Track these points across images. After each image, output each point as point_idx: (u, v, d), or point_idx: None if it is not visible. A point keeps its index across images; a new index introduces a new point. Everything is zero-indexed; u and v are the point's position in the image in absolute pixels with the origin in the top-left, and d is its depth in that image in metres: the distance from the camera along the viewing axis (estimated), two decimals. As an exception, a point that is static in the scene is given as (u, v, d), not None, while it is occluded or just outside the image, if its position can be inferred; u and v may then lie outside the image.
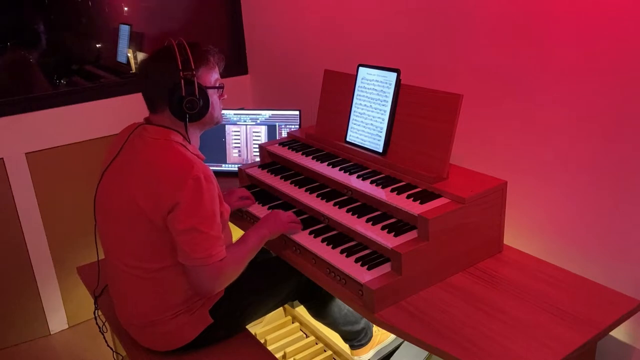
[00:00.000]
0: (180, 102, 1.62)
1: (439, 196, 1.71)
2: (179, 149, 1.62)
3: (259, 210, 2.01)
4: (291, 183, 2.05)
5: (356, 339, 2.14)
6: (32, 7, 2.77)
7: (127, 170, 1.65)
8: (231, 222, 2.15)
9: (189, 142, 1.69)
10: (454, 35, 2.00)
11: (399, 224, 1.68)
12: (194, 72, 1.63)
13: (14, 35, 2.75)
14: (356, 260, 1.63)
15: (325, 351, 2.35)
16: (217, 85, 1.74)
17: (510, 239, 1.86)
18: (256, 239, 1.75)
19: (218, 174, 2.68)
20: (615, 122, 1.60)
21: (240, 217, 2.09)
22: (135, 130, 1.70)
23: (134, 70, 3.07)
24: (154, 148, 1.63)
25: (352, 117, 2.06)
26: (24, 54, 2.82)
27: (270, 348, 2.33)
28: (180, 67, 1.61)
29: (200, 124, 1.73)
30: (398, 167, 1.86)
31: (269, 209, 2.00)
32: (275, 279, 1.92)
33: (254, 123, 2.64)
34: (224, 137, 2.67)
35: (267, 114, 2.62)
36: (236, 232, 1.90)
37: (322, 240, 1.76)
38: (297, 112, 2.59)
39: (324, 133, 2.20)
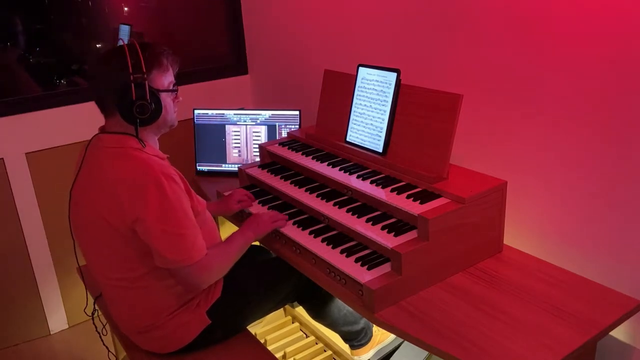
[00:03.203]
0: (130, 106, 1.56)
1: (439, 196, 1.71)
2: (135, 155, 1.57)
3: (259, 210, 2.01)
4: (291, 183, 2.05)
5: (356, 339, 2.14)
6: (32, 7, 2.76)
7: (90, 185, 1.62)
8: (231, 222, 2.15)
9: (144, 146, 1.62)
10: (454, 36, 2.00)
11: (399, 224, 1.68)
12: (145, 75, 1.57)
13: (14, 35, 2.75)
14: (356, 260, 1.63)
15: (325, 351, 2.35)
16: (171, 88, 1.67)
17: (510, 239, 1.86)
18: (241, 240, 1.76)
19: (218, 174, 2.69)
20: (615, 123, 1.60)
21: (240, 218, 2.09)
22: (92, 141, 1.66)
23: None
24: (109, 159, 1.58)
25: (352, 117, 2.06)
26: (23, 54, 2.82)
27: (270, 348, 2.33)
28: (131, 70, 1.55)
29: (154, 128, 1.66)
30: (398, 167, 1.86)
31: (269, 209, 2.00)
32: (275, 279, 1.92)
33: (254, 123, 2.64)
34: (224, 137, 2.67)
35: (267, 114, 2.63)
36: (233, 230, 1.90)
37: (322, 240, 1.76)
38: (297, 112, 2.60)
39: (324, 133, 2.20)
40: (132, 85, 1.56)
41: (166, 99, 1.65)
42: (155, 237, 1.53)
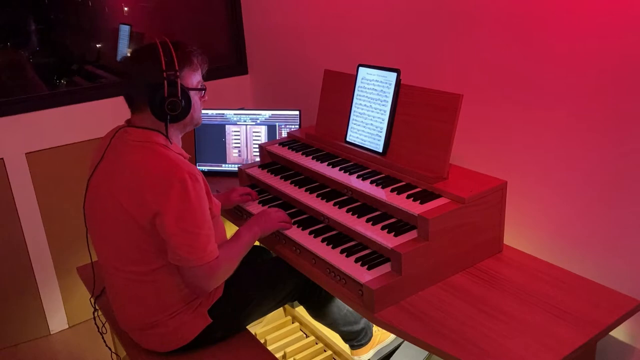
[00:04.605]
0: (162, 102, 1.59)
1: (439, 196, 1.71)
2: (162, 151, 1.60)
3: (258, 210, 2.01)
4: (291, 183, 2.05)
5: (356, 339, 2.14)
6: (32, 7, 2.76)
7: (112, 175, 1.63)
8: (230, 220, 2.15)
9: (171, 143, 1.66)
10: (454, 36, 2.00)
11: (399, 224, 1.68)
12: (178, 73, 1.61)
13: (14, 35, 2.75)
14: (356, 260, 1.63)
15: (325, 351, 2.35)
16: (199, 87, 1.71)
17: (510, 239, 1.86)
18: (249, 236, 1.76)
19: (218, 174, 2.69)
20: (615, 123, 1.60)
21: (239, 217, 2.09)
22: (117, 133, 1.68)
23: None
24: (137, 152, 1.61)
25: (352, 117, 2.06)
26: (24, 54, 2.82)
27: (270, 348, 2.33)
28: (164, 68, 1.58)
29: (180, 125, 1.70)
30: (398, 167, 1.86)
31: (268, 208, 2.00)
32: (275, 279, 1.92)
33: (254, 123, 2.64)
34: (224, 137, 2.67)
35: (267, 114, 2.62)
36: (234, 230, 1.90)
37: (322, 240, 1.76)
38: (297, 112, 2.59)
39: (324, 133, 2.20)
40: (165, 82, 1.58)
41: (194, 97, 1.69)
42: (172, 233, 1.54)
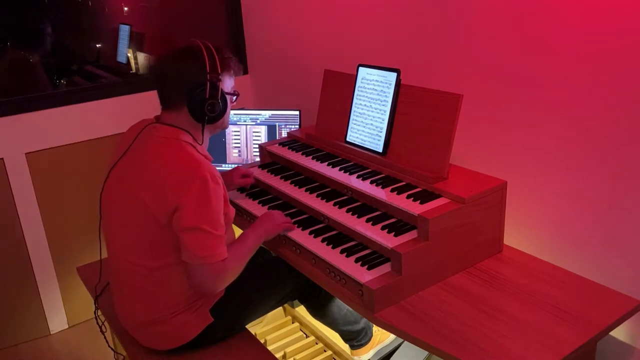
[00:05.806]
0: (202, 103, 1.64)
1: (439, 196, 1.71)
2: (188, 149, 1.63)
3: (258, 210, 2.01)
4: (291, 183, 2.05)
5: (356, 339, 2.14)
6: (32, 7, 2.76)
7: (135, 167, 1.66)
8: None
9: (200, 144, 1.71)
10: (454, 36, 2.00)
11: (399, 224, 1.68)
12: (220, 76, 1.66)
13: (14, 35, 2.75)
14: (356, 260, 1.63)
15: (325, 351, 2.35)
16: (233, 92, 1.76)
17: (510, 239, 1.86)
18: (254, 238, 1.77)
19: (218, 174, 2.69)
20: (615, 123, 1.60)
21: (240, 217, 2.09)
22: (145, 128, 1.71)
23: (134, 70, 3.07)
24: (162, 147, 1.64)
25: (352, 117, 2.06)
26: (24, 54, 2.82)
27: (270, 348, 2.33)
28: (208, 70, 1.63)
29: (211, 128, 1.75)
30: (398, 167, 1.86)
31: (269, 209, 2.00)
32: (275, 278, 1.93)
33: (254, 123, 2.64)
34: (224, 137, 2.67)
35: (267, 114, 2.63)
36: (236, 232, 1.90)
37: (322, 240, 1.76)
38: (297, 112, 2.60)
39: (324, 133, 2.20)
40: (208, 84, 1.63)
41: (228, 101, 1.73)
42: (185, 229, 1.56)
